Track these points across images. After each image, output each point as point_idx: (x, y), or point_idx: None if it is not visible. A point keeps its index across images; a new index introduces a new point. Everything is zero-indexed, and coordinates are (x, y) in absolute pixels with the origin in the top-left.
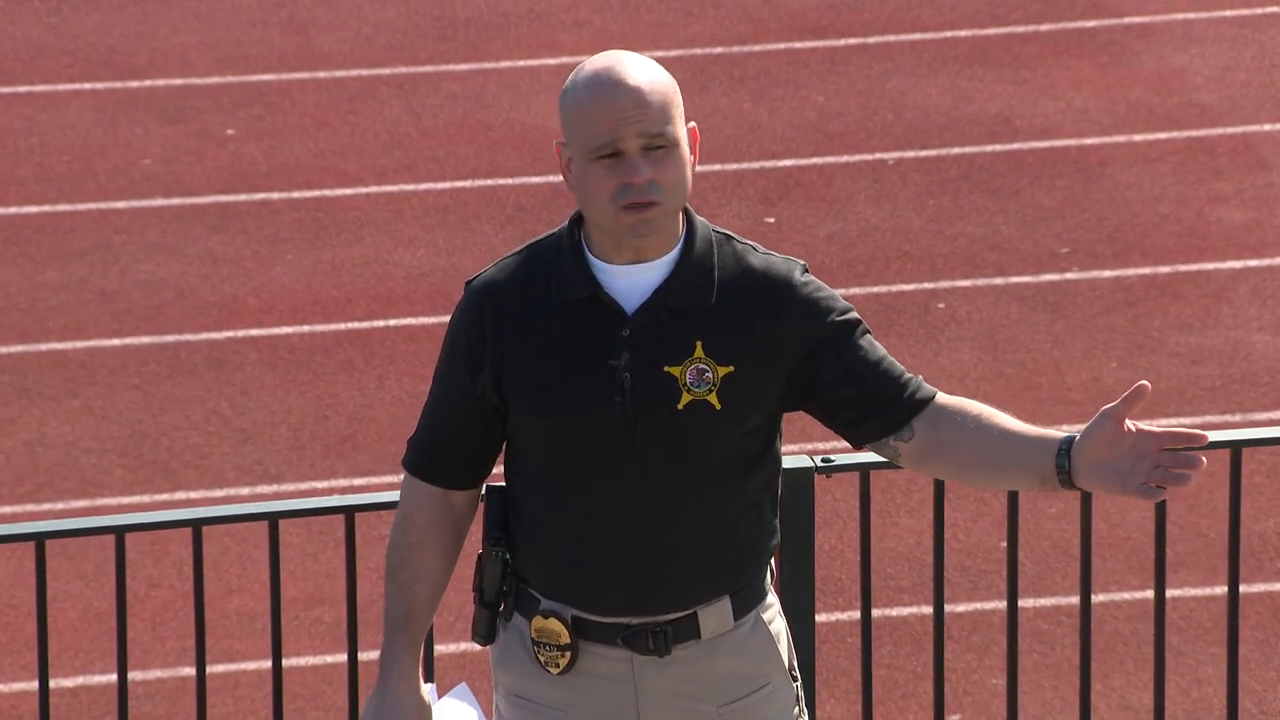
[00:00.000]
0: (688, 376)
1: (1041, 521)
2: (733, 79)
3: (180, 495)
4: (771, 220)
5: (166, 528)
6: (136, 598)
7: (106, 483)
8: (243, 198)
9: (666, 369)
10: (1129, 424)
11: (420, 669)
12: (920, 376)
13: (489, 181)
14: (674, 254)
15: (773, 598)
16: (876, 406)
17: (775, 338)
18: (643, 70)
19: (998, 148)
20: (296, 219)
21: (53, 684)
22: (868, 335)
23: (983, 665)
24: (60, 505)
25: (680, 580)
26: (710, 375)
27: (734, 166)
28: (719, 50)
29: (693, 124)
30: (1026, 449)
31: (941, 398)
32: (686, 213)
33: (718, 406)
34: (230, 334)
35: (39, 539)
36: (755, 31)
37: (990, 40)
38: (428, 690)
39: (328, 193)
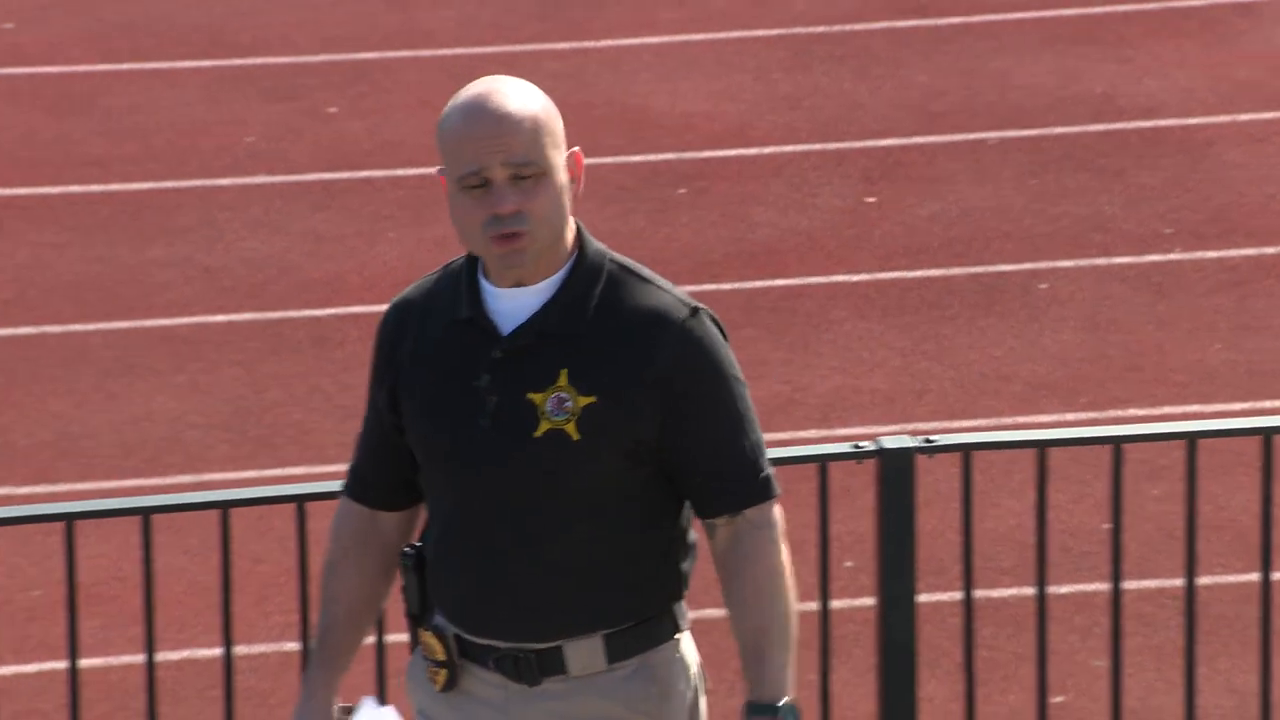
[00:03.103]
0: (548, 404)
1: (1145, 503)
2: (834, 58)
3: (283, 471)
4: (873, 200)
5: (270, 503)
6: (241, 572)
7: (211, 458)
8: (346, 175)
9: (529, 395)
10: None
11: (332, 688)
12: (765, 476)
13: (590, 160)
14: (556, 279)
15: (680, 651)
16: (689, 485)
17: (642, 376)
18: (513, 97)
19: (1101, 127)
20: (399, 197)
21: (159, 657)
22: (726, 409)
23: (1085, 647)
24: (166, 480)
25: (542, 611)
26: (570, 405)
27: (835, 146)
28: (821, 29)
29: (575, 149)
30: (744, 666)
31: (752, 532)
32: (580, 238)
33: (575, 437)
34: (333, 311)
35: (145, 514)
36: (858, 10)
37: (1095, 19)
38: (368, 703)
39: (430, 171)
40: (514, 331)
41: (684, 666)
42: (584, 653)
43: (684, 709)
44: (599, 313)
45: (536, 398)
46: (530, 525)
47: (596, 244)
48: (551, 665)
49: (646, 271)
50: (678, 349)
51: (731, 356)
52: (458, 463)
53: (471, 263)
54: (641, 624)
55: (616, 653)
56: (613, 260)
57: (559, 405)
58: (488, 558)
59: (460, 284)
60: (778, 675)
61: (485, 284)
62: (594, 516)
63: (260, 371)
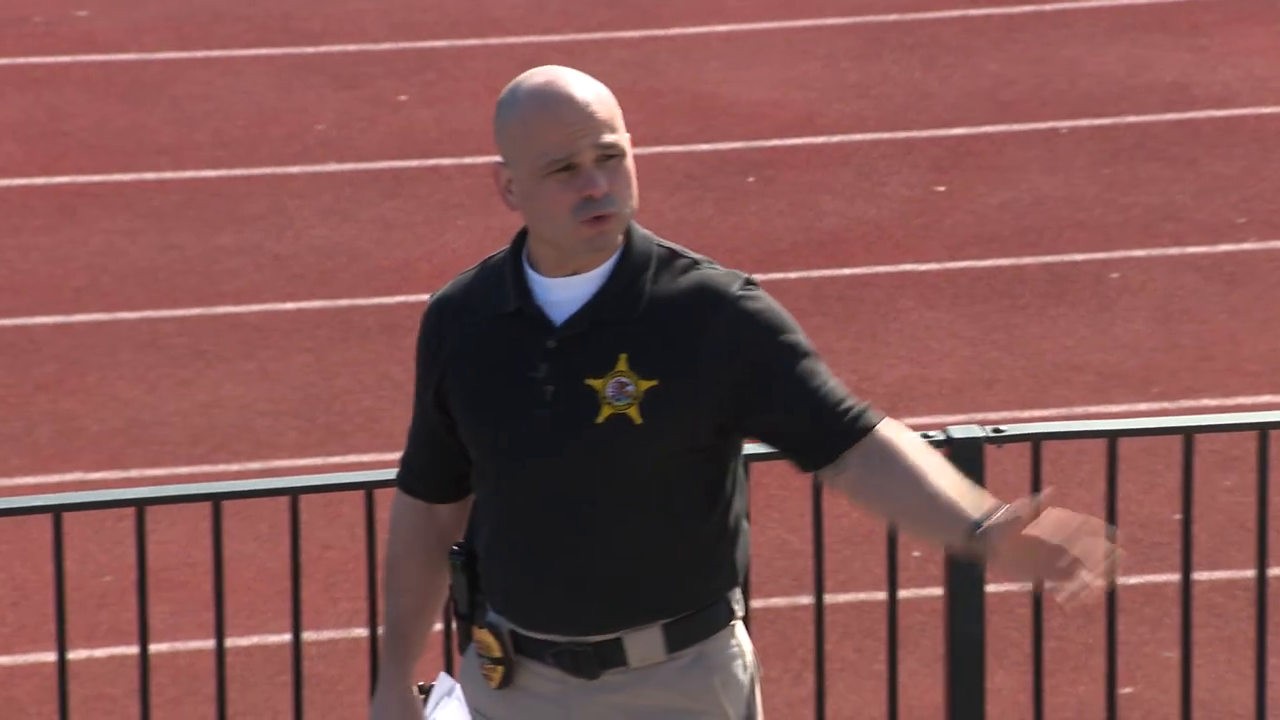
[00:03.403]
0: (608, 389)
1: (1216, 494)
2: (904, 46)
3: (352, 458)
4: (942, 189)
5: (340, 490)
6: (310, 559)
7: (280, 445)
8: (415, 163)
9: (588, 381)
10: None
11: (410, 678)
12: (866, 404)
13: (658, 149)
14: (608, 266)
15: (736, 638)
16: (808, 438)
17: (702, 353)
18: (585, 82)
19: (1174, 116)
20: (468, 185)
21: (228, 643)
22: (808, 359)
23: (1155, 638)
24: (235, 467)
25: (602, 602)
26: (631, 389)
27: (904, 135)
28: (892, 17)
29: (626, 135)
30: (939, 521)
31: (879, 434)
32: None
33: (638, 421)
34: (402, 299)
35: (215, 500)
36: None
37: (1168, 7)
38: (446, 686)
39: (499, 159)
40: (568, 320)
41: (740, 653)
42: (643, 643)
43: (742, 696)
44: (653, 296)
45: (596, 383)
46: (588, 515)
47: (642, 229)
48: (611, 657)
49: (692, 253)
50: (737, 322)
51: (787, 314)
52: (513, 455)
53: (515, 255)
54: (699, 612)
55: (675, 642)
56: (659, 244)
57: (620, 390)
58: (545, 550)
59: (503, 277)
60: (972, 500)
61: (533, 275)
62: (652, 504)
63: (329, 359)
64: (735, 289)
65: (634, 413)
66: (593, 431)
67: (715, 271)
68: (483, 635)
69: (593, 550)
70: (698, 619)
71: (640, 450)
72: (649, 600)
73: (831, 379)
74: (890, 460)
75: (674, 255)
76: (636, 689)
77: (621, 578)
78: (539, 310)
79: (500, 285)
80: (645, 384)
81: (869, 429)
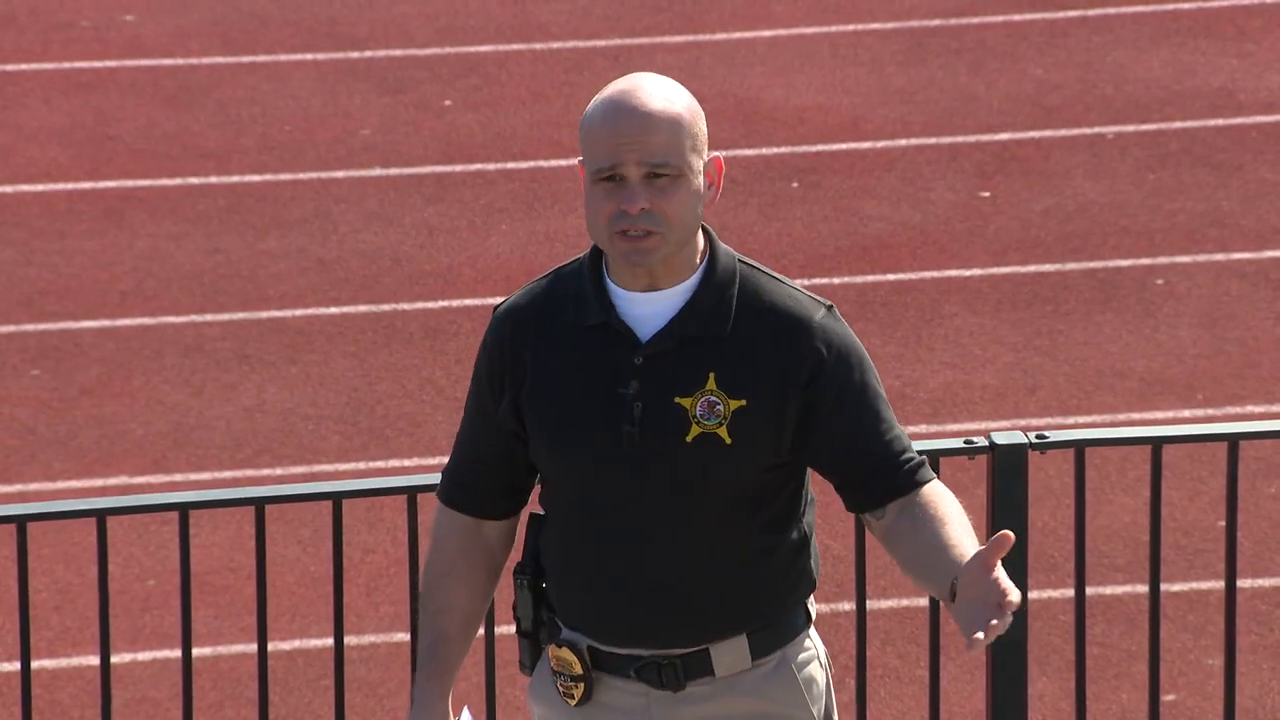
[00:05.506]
0: (698, 408)
1: (1261, 501)
2: (950, 51)
3: (395, 463)
4: (987, 194)
5: (382, 494)
6: (352, 563)
7: (323, 449)
8: (459, 168)
9: (677, 399)
10: (996, 573)
11: (448, 699)
12: (922, 460)
13: None
14: (691, 282)
15: (810, 641)
16: (859, 480)
17: (788, 374)
18: (658, 96)
19: (1220, 122)
20: (512, 189)
21: (270, 647)
22: (875, 401)
23: (1198, 645)
24: (278, 471)
25: (689, 615)
26: (721, 408)
27: (949, 140)
28: (936, 22)
29: (716, 155)
30: (934, 569)
31: (923, 493)
32: (709, 240)
33: (727, 441)
34: (445, 303)
35: (258, 504)
36: (974, 3)
37: (1214, 12)
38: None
39: (542, 164)
40: (655, 336)
41: (816, 654)
42: (730, 653)
43: (822, 697)
44: (740, 315)
45: (685, 402)
46: (676, 531)
47: (725, 246)
48: (697, 668)
49: (773, 272)
50: (822, 350)
51: (864, 348)
52: (599, 471)
53: (595, 267)
54: (781, 620)
55: (760, 650)
56: (742, 261)
57: (710, 409)
58: (630, 566)
59: (583, 288)
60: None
61: (614, 288)
62: (739, 518)
63: (372, 363)
64: (820, 315)
65: (723, 432)
66: (682, 450)
67: (800, 296)
68: (562, 653)
69: (680, 566)
70: (780, 626)
71: (728, 468)
72: (736, 613)
73: (894, 427)
74: (921, 520)
75: (758, 273)
76: (722, 698)
77: (710, 591)
78: (624, 324)
79: (579, 296)
80: (734, 403)
81: (917, 487)
